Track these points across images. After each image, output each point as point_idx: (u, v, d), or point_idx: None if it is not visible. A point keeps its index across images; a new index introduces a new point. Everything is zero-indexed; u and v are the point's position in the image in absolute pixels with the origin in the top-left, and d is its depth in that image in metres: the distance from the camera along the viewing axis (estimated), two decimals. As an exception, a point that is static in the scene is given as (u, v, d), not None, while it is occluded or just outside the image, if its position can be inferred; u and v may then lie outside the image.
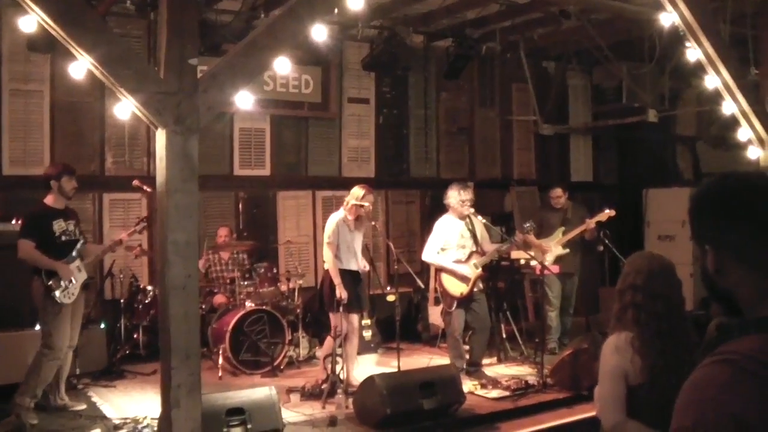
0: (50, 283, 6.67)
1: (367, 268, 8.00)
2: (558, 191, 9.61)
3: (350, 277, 7.68)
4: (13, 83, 8.80)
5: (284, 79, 10.35)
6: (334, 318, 7.55)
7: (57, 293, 6.67)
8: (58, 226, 6.86)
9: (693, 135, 13.80)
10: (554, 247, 9.18)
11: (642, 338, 3.40)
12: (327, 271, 7.75)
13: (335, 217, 7.74)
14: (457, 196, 7.99)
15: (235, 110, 9.64)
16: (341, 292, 7.42)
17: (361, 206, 7.67)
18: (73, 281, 6.82)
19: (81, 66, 5.07)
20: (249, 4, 8.95)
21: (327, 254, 7.68)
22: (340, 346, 7.58)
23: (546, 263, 8.75)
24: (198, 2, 5.56)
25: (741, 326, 1.67)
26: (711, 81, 8.02)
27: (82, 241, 7.10)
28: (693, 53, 7.87)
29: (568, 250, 9.23)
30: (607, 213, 9.02)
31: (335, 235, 7.63)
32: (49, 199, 6.93)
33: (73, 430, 6.37)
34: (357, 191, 7.74)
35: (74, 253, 6.92)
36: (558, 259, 9.14)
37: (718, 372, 1.60)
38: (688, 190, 12.39)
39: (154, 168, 8.85)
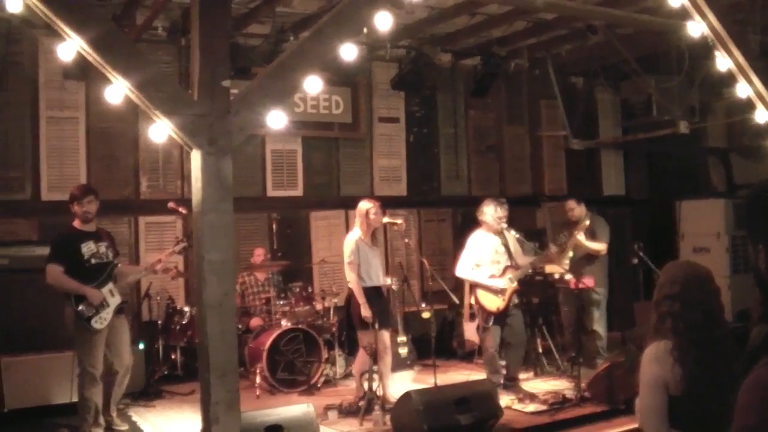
0: (80, 308, 6.61)
1: (389, 282, 7.93)
2: (570, 203, 9.45)
3: (375, 294, 7.69)
4: (49, 111, 8.99)
5: (314, 101, 10.46)
6: (362, 336, 7.58)
7: (90, 320, 6.62)
8: (87, 248, 6.79)
9: (725, 146, 13.69)
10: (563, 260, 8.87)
11: (681, 347, 3.37)
12: (352, 290, 7.77)
13: (353, 237, 7.76)
14: (493, 213, 7.99)
15: (266, 132, 9.76)
16: (366, 311, 7.44)
17: (394, 224, 7.70)
18: (105, 305, 6.75)
19: (117, 90, 5.16)
20: (277, 27, 9.08)
21: (349, 274, 7.69)
22: (375, 363, 7.58)
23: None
24: (228, 26, 5.64)
25: None
26: (742, 90, 7.98)
27: (113, 263, 7.02)
28: (723, 62, 7.84)
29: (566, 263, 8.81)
30: (584, 224, 8.94)
31: (356, 255, 7.64)
32: (77, 222, 6.90)
33: (114, 450, 6.44)
34: (368, 206, 7.74)
35: (105, 276, 6.84)
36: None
37: None
38: (722, 201, 12.31)
39: (187, 191, 9.00)
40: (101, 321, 6.70)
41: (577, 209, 9.36)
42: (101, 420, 6.83)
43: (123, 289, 7.09)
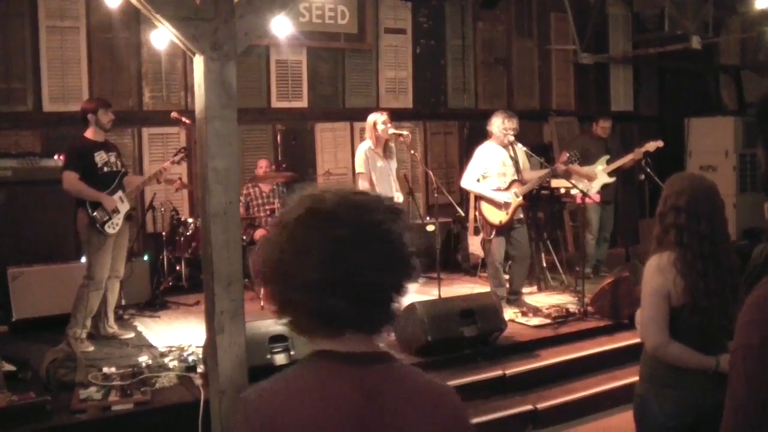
0: (95, 214, 6.84)
1: (401, 199, 7.84)
2: (610, 121, 9.67)
3: None
4: (49, 20, 8.79)
5: (320, 11, 10.25)
6: None
7: (104, 225, 6.84)
8: (100, 157, 7.00)
9: (737, 63, 13.48)
10: (600, 175, 9.28)
11: (684, 259, 3.34)
12: None
13: (363, 147, 7.65)
14: (500, 124, 7.87)
15: (270, 42, 9.59)
16: None
17: (400, 135, 7.60)
18: (117, 212, 6.97)
19: (117, -6, 5.04)
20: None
21: (361, 185, 7.57)
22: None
23: (591, 192, 8.80)
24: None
25: None
26: (761, 2, 7.78)
27: (123, 172, 7.25)
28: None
29: (614, 179, 9.39)
30: (656, 144, 8.96)
31: (366, 165, 7.54)
32: (89, 133, 7.08)
33: (121, 358, 6.49)
34: (375, 117, 7.63)
35: (116, 185, 7.06)
36: (603, 187, 9.26)
37: None
38: (732, 119, 12.18)
39: (191, 102, 8.93)
40: (113, 226, 6.95)
41: (609, 127, 9.55)
42: (88, 323, 6.98)
43: (129, 198, 7.27)
